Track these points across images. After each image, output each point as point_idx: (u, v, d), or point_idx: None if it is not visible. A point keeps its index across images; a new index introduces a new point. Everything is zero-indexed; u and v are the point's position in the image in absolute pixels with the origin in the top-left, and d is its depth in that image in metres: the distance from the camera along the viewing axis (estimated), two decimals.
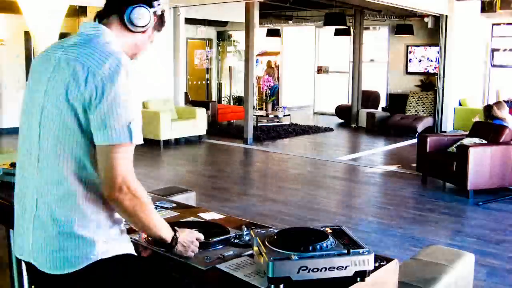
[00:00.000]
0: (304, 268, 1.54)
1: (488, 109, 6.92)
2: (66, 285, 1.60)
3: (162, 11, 1.74)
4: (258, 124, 11.98)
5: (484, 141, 6.43)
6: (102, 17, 1.70)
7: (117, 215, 1.64)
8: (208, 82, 15.23)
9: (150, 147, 9.23)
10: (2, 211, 2.51)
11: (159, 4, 1.71)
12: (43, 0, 4.26)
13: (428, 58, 12.81)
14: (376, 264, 1.69)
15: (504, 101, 8.33)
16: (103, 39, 1.61)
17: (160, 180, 7.13)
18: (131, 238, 2.01)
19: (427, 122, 11.45)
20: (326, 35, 15.19)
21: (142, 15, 1.66)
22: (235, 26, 14.12)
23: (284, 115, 12.71)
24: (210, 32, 15.08)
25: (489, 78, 12.68)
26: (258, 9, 11.22)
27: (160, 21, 1.76)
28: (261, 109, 14.23)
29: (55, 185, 1.56)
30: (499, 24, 12.51)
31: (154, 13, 1.71)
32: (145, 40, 1.74)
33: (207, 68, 14.85)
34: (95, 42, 1.59)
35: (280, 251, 1.60)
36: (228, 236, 1.96)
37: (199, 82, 15.04)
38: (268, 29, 15.18)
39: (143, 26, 1.68)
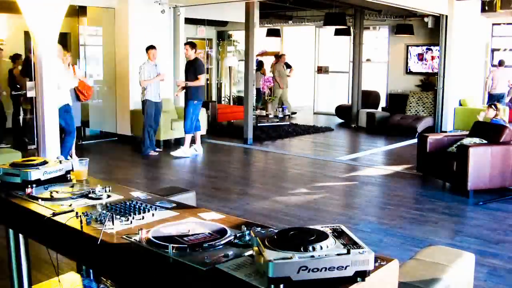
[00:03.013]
0: (304, 268, 1.54)
1: (495, 107, 6.93)
2: None
3: None
4: (258, 124, 11.97)
5: (484, 141, 6.43)
6: None
7: None
8: (208, 82, 15.22)
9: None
10: (2, 211, 2.51)
11: None
12: (43, 0, 4.27)
13: (424, 59, 12.82)
14: (376, 264, 1.69)
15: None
16: None
17: (160, 180, 7.13)
18: (130, 238, 2.02)
19: (427, 122, 11.45)
20: (326, 35, 15.18)
21: None
22: (235, 26, 14.10)
23: (285, 115, 12.70)
24: (210, 32, 15.07)
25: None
26: (258, 9, 11.22)
27: None
28: (261, 109, 14.21)
29: None
30: (499, 24, 12.53)
31: None
32: None
33: (207, 68, 14.84)
34: None
35: (280, 251, 1.60)
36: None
37: None
38: (268, 29, 15.18)
39: None
